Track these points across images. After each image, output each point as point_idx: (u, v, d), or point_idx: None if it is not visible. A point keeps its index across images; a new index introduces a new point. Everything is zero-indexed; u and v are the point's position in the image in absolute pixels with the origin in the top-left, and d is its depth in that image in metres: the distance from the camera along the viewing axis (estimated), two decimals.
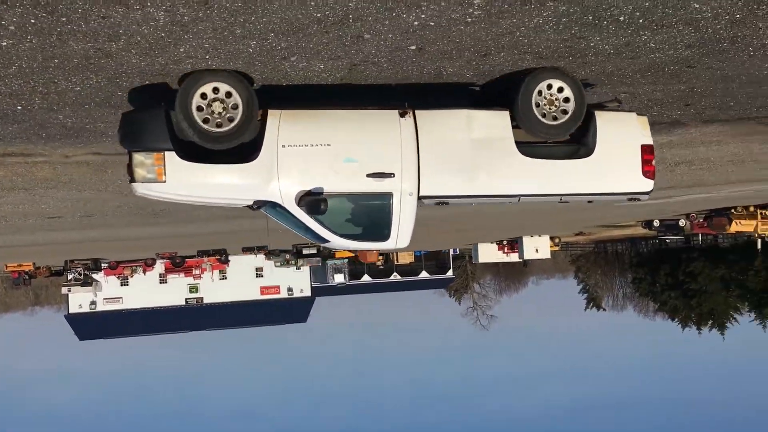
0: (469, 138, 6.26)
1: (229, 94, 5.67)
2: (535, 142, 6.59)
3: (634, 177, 6.67)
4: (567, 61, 6.20)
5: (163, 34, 4.75)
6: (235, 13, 4.51)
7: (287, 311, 55.68)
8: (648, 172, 6.70)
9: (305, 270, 51.92)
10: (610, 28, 5.35)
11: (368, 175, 6.06)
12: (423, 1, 4.53)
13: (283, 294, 54.72)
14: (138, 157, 5.76)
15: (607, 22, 5.21)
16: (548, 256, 48.64)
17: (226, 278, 50.92)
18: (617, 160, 6.62)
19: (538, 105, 6.29)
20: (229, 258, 42.80)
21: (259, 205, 6.15)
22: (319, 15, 4.66)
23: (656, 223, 38.53)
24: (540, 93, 6.27)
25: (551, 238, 48.22)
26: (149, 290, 49.07)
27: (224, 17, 4.56)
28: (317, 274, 55.98)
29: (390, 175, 6.11)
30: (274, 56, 5.42)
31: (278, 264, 46.52)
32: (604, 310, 66.94)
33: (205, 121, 5.66)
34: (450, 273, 64.35)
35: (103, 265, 41.52)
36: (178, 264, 43.89)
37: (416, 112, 6.25)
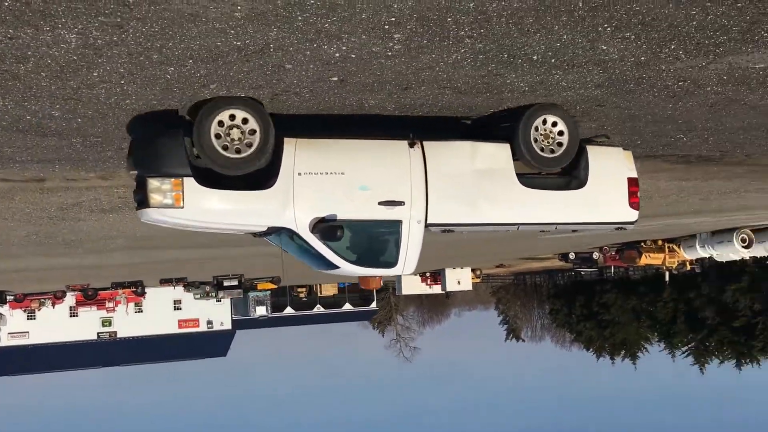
0: (473, 168, 6.56)
1: (245, 120, 5.72)
2: (532, 174, 6.93)
3: (622, 208, 7.09)
4: (484, 97, 6.37)
5: (75, 57, 4.61)
6: (152, 38, 4.43)
7: (206, 345, 54.14)
8: (634, 203, 7.15)
9: (226, 302, 50.74)
10: (524, 67, 5.54)
11: (380, 203, 6.27)
12: (344, 33, 4.58)
13: (203, 327, 53.22)
14: (153, 182, 5.75)
15: (521, 61, 5.39)
16: (470, 287, 49.32)
17: (141, 311, 49.15)
18: (607, 191, 7.04)
19: (536, 140, 6.61)
20: (146, 290, 41.39)
21: (273, 231, 6.22)
22: (239, 43, 4.63)
23: (572, 256, 39.76)
24: (536, 128, 6.59)
25: (473, 270, 48.97)
26: (58, 324, 46.76)
27: (140, 42, 4.47)
28: (238, 307, 54.78)
29: (400, 203, 6.34)
30: (192, 83, 5.34)
31: (197, 296, 45.27)
32: (523, 340, 68.31)
33: (225, 148, 5.70)
34: (374, 305, 64.25)
35: (8, 297, 39.36)
36: (90, 296, 42.07)
37: (424, 143, 6.49)
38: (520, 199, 6.69)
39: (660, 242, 33.44)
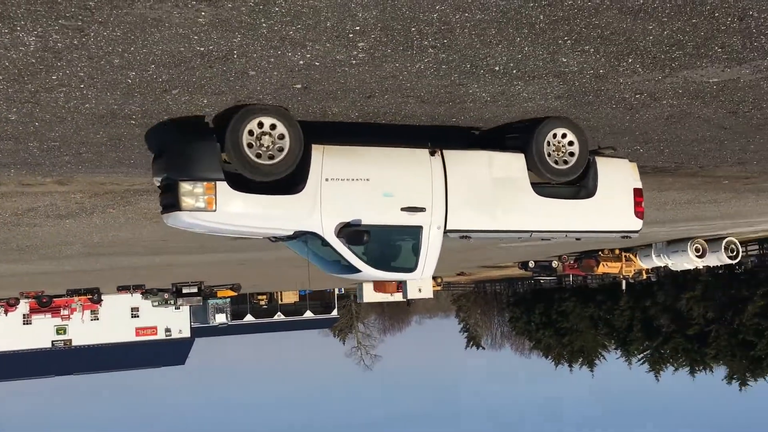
0: (490, 177, 6.78)
1: (273, 126, 5.88)
2: (544, 183, 7.13)
3: (628, 217, 7.40)
4: (447, 106, 6.44)
5: (33, 60, 4.53)
6: (113, 43, 4.38)
7: (164, 353, 53.30)
8: (639, 213, 7.45)
9: (185, 310, 50.08)
10: (486, 77, 5.61)
11: (402, 209, 6.45)
12: (308, 41, 4.58)
13: (161, 335, 52.41)
14: (185, 186, 5.85)
15: (483, 71, 5.46)
16: (431, 295, 49.28)
17: (98, 319, 48.17)
18: (614, 201, 7.33)
19: (548, 153, 6.88)
20: (102, 297, 40.58)
21: (298, 236, 6.38)
22: (202, 49, 4.60)
23: (531, 264, 40.19)
24: (548, 142, 6.88)
25: (434, 278, 49.17)
26: (11, 332, 45.58)
27: (101, 46, 4.41)
28: (197, 314, 54.10)
29: (422, 209, 6.52)
30: (154, 88, 5.28)
31: (156, 303, 44.57)
32: (483, 348, 68.75)
33: (257, 155, 5.87)
34: (335, 313, 64.06)
35: None
36: (44, 304, 41.05)
37: (444, 151, 6.68)
38: (534, 207, 6.93)
39: (617, 251, 34.04)
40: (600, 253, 33.95)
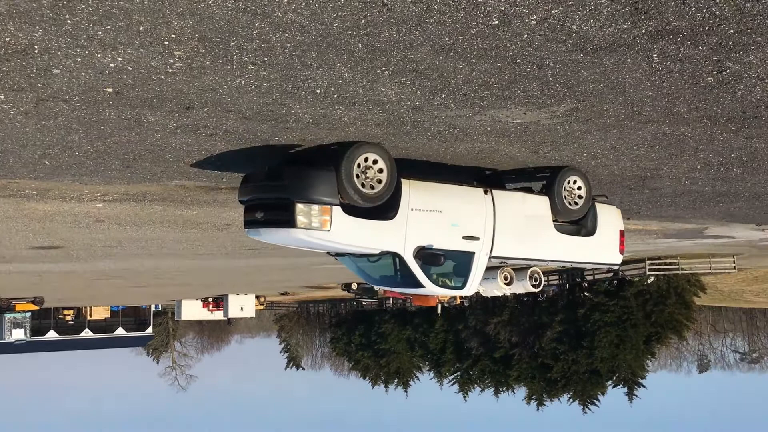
0: (524, 214, 8.21)
1: (375, 161, 6.92)
2: (559, 222, 8.63)
3: (614, 252, 9.14)
4: (270, 125, 6.39)
5: None
6: None
7: None
8: (621, 250, 9.20)
9: None
10: (308, 99, 5.64)
11: (463, 237, 7.73)
12: (119, 44, 4.35)
13: None
14: (301, 207, 6.83)
15: (305, 93, 5.49)
16: (253, 315, 48.66)
17: None
18: (607, 240, 9.01)
19: (564, 197, 8.40)
20: None
21: (383, 254, 7.54)
22: None
23: (354, 286, 40.88)
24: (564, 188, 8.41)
25: (257, 297, 48.41)
26: None
27: None
28: None
29: (477, 238, 7.83)
30: None
31: None
32: (303, 369, 68.57)
33: (362, 185, 6.90)
34: (150, 330, 60.82)
35: None
36: None
37: (493, 191, 8.03)
38: (554, 241, 8.48)
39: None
40: None
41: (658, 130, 6.93)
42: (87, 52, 4.46)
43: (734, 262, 29.71)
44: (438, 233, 7.54)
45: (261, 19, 4.14)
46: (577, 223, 8.83)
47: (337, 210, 6.91)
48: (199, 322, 64.56)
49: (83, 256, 16.26)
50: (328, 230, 6.94)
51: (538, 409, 41.19)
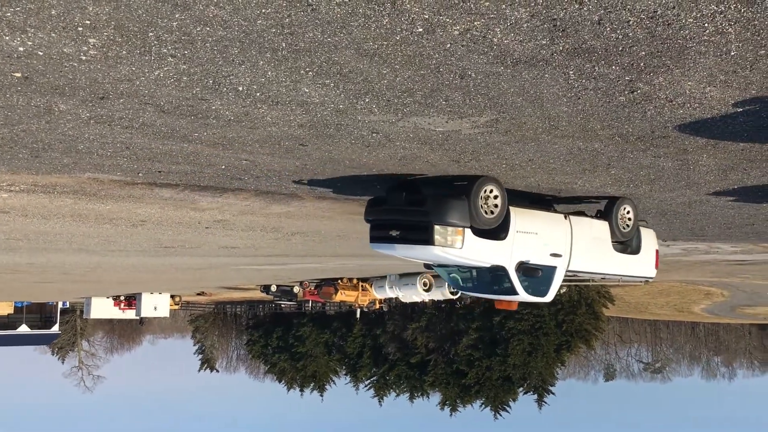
0: (591, 236, 9.91)
1: (492, 192, 8.46)
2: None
3: (651, 267, 11.19)
4: (189, 120, 6.24)
5: None
6: None
7: None
8: (656, 266, 11.28)
9: None
10: (229, 96, 5.54)
11: (551, 254, 9.42)
12: (29, 27, 4.15)
13: None
14: (439, 228, 8.39)
15: (227, 89, 5.38)
16: (167, 314, 47.36)
17: None
18: (647, 257, 11.02)
19: (618, 222, 10.11)
20: None
21: (492, 268, 9.18)
22: None
23: (273, 288, 40.45)
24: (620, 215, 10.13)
25: (172, 297, 47.17)
26: None
27: None
28: None
29: (560, 255, 9.53)
30: None
31: None
32: (218, 371, 67.24)
33: (484, 212, 8.44)
34: (56, 328, 58.29)
35: None
36: None
37: (570, 216, 9.74)
38: (612, 259, 10.36)
39: (355, 281, 35.60)
40: (338, 281, 35.23)
41: (573, 145, 7.16)
42: None
43: None
44: (534, 251, 9.20)
45: (181, 11, 4.03)
46: (624, 243, 10.69)
47: (468, 232, 8.48)
48: (110, 321, 62.45)
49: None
50: (461, 248, 8.49)
51: (451, 414, 41.81)
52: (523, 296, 9.55)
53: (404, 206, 8.85)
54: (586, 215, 10.19)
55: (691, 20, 4.26)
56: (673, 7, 4.13)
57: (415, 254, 9.02)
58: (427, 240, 8.43)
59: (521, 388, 40.05)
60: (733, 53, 4.69)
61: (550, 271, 9.53)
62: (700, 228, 12.32)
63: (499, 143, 7.09)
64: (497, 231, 8.80)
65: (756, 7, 4.14)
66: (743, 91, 5.41)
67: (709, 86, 5.31)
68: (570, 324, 37.83)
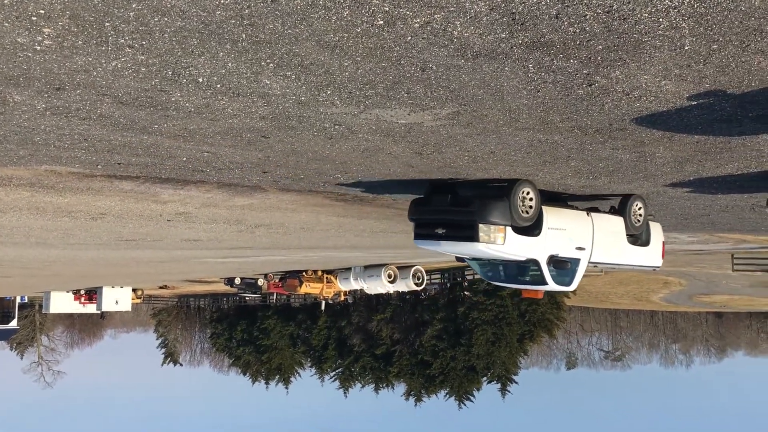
0: (609, 230, 10.87)
1: (528, 192, 9.47)
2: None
3: (658, 258, 12.21)
4: (148, 111, 6.16)
5: None
6: None
7: None
8: (663, 256, 12.31)
9: None
10: (189, 87, 5.47)
11: (576, 248, 10.43)
12: None
13: None
14: (483, 227, 9.39)
15: (186, 81, 5.32)
16: (129, 308, 46.75)
17: None
18: (655, 248, 12.06)
19: (632, 217, 11.13)
20: None
21: (530, 261, 10.23)
22: None
23: (237, 281, 40.16)
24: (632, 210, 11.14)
25: (134, 290, 46.55)
26: None
27: None
28: None
29: (584, 248, 10.54)
30: None
31: None
32: (181, 365, 66.58)
33: (521, 211, 9.45)
34: (14, 323, 57.12)
35: None
36: None
37: (591, 213, 10.75)
38: (627, 250, 11.38)
39: (319, 273, 35.53)
40: (303, 273, 35.13)
41: (533, 137, 7.25)
42: None
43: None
44: (562, 245, 10.21)
45: (138, 1, 3.97)
46: (635, 236, 11.58)
47: (509, 229, 9.51)
48: (70, 316, 61.40)
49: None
50: (503, 244, 9.49)
51: (416, 404, 42.09)
52: (552, 286, 10.52)
53: (450, 207, 9.74)
54: (601, 211, 11.05)
55: (646, 15, 4.35)
56: (629, 2, 4.21)
57: (460, 250, 10.01)
58: (473, 237, 9.40)
59: (485, 378, 40.48)
60: (687, 47, 4.80)
61: (576, 263, 10.52)
62: (657, 219, 12.65)
63: (461, 135, 7.14)
64: (532, 228, 9.80)
65: (709, 2, 4.24)
66: (697, 85, 5.54)
67: (664, 80, 5.42)
68: (532, 314, 38.33)
